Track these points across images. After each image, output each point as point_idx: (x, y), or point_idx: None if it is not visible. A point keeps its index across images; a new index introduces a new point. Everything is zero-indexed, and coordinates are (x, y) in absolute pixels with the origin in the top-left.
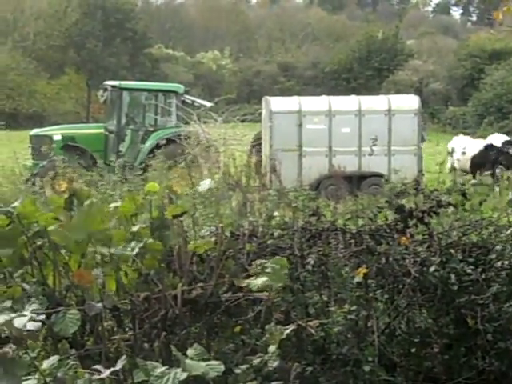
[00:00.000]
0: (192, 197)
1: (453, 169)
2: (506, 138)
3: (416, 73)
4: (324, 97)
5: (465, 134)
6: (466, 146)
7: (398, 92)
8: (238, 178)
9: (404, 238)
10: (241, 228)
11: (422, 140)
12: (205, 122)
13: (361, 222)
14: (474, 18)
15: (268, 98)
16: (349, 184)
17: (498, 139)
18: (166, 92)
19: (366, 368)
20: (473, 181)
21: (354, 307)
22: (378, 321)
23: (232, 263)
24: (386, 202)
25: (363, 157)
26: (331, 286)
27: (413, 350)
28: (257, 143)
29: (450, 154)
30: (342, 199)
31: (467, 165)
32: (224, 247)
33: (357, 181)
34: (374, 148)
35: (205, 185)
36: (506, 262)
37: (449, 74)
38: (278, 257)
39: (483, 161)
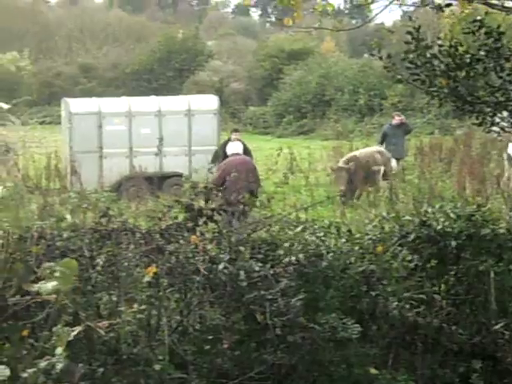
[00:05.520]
0: None
1: None
2: None
3: (216, 73)
4: (123, 98)
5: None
6: None
7: (199, 92)
8: (38, 180)
9: (194, 237)
10: (29, 230)
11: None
12: (2, 125)
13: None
14: (273, 19)
15: (67, 99)
16: (150, 185)
17: None
18: None
19: (157, 367)
20: None
21: (145, 306)
22: (169, 319)
23: (20, 266)
24: (176, 201)
25: (164, 157)
26: (121, 286)
27: (205, 347)
28: None
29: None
30: (143, 200)
31: None
32: (11, 250)
33: (158, 181)
34: (174, 149)
35: None
36: (294, 258)
37: (249, 74)
38: (67, 259)
39: None
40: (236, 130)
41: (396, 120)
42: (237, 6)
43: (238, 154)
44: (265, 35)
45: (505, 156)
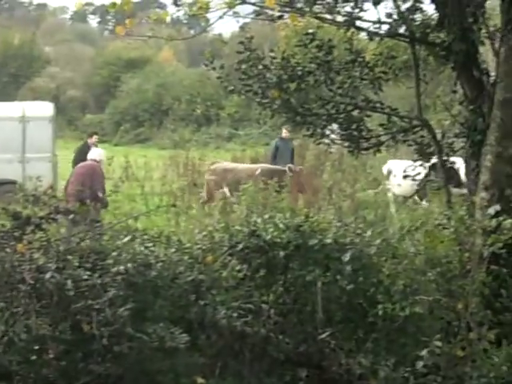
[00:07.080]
0: None
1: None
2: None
3: (53, 80)
4: None
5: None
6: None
7: (35, 99)
8: None
9: (21, 245)
10: None
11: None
12: None
13: None
14: (111, 27)
15: None
16: None
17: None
18: None
19: None
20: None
21: None
22: None
23: None
24: (3, 209)
25: None
26: None
27: (31, 357)
28: None
29: (387, 177)
30: None
31: (410, 190)
32: None
33: None
34: (7, 155)
35: None
36: (122, 267)
37: (86, 82)
38: None
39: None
40: (95, 133)
41: (285, 133)
42: (75, 12)
43: (95, 161)
44: (103, 43)
45: (384, 171)
